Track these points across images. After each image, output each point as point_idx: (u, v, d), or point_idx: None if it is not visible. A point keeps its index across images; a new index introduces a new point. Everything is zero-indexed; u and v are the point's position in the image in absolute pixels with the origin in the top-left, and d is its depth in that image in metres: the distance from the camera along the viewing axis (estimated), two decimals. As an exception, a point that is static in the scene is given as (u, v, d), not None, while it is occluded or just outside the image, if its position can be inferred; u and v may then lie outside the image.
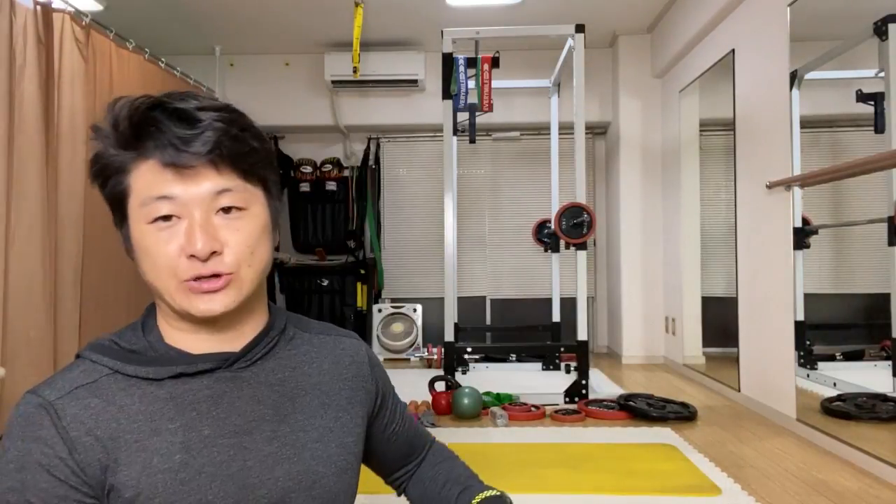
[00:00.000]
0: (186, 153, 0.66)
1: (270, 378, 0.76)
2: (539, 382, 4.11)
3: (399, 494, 1.00)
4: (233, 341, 0.75)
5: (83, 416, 0.67)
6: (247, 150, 0.70)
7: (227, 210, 0.69)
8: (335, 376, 0.82)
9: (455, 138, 4.14)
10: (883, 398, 2.72)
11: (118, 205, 0.72)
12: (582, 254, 3.57)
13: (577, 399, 3.46)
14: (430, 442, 1.01)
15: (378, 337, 5.29)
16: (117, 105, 0.69)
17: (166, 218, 0.68)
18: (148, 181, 0.68)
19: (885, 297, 2.69)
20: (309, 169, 5.58)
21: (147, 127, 0.67)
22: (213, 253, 0.68)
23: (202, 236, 0.67)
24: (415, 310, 5.36)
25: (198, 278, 0.68)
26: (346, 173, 5.67)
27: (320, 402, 0.79)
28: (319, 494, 0.76)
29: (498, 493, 0.90)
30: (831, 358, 3.10)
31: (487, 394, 3.42)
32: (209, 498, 0.68)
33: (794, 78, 3.01)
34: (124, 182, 0.70)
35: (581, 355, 3.53)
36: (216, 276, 0.68)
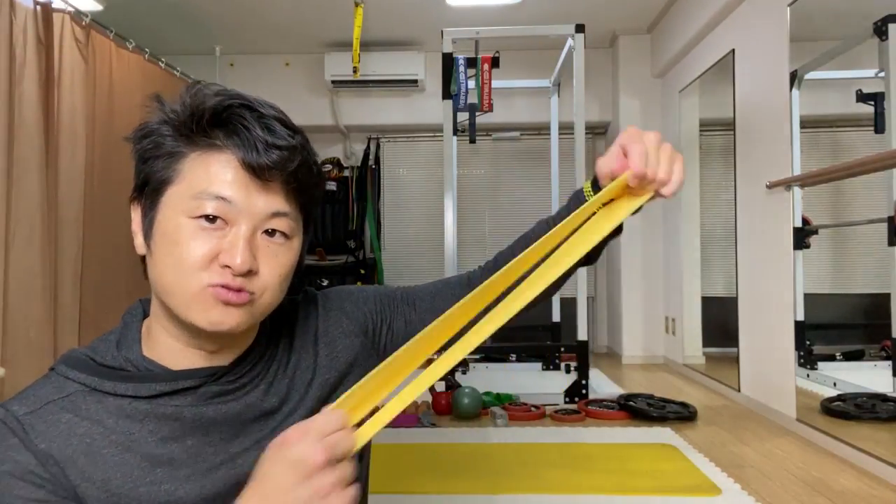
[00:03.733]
0: (267, 161, 0.64)
1: (261, 384, 0.73)
2: (539, 382, 4.11)
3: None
4: (221, 357, 0.71)
5: (53, 432, 0.64)
6: (313, 182, 0.70)
7: (271, 233, 0.66)
8: (306, 348, 0.78)
9: (455, 138, 4.14)
10: (883, 398, 2.72)
11: (156, 187, 0.66)
12: (582, 254, 3.56)
13: (577, 399, 3.46)
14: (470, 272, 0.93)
15: (378, 337, 5.29)
16: (201, 90, 0.66)
17: (211, 219, 0.63)
18: (211, 175, 0.64)
19: (885, 297, 2.69)
20: (309, 169, 5.57)
21: (233, 122, 0.64)
22: (249, 271, 0.64)
23: (245, 252, 0.63)
24: (415, 310, 5.35)
25: (225, 287, 0.64)
26: (347, 173, 5.67)
27: (303, 380, 0.76)
28: None
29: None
30: (831, 358, 3.10)
31: (487, 394, 3.42)
32: (200, 501, 0.66)
33: (794, 78, 3.01)
34: (173, 168, 0.65)
35: (581, 355, 3.53)
36: (241, 291, 0.65)
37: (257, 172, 0.64)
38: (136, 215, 0.70)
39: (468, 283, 0.90)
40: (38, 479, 0.62)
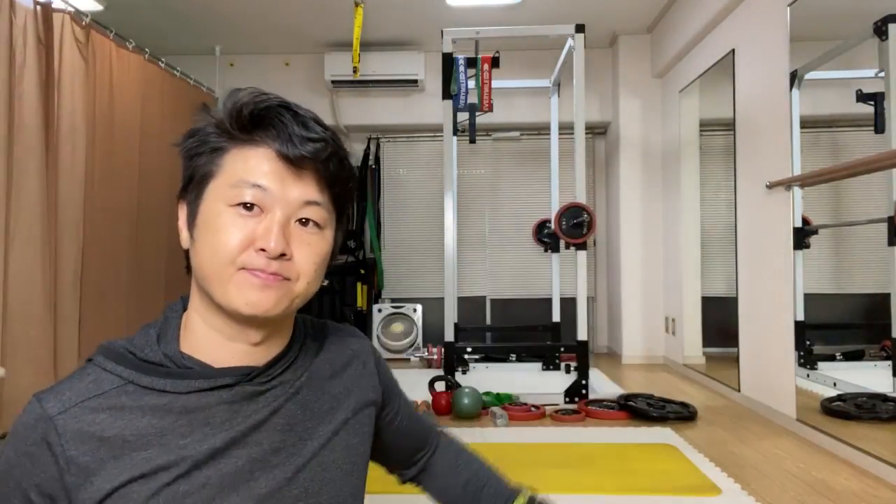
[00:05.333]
0: (301, 151, 0.68)
1: (288, 388, 0.75)
2: (539, 382, 4.11)
3: (413, 485, 1.01)
4: (257, 355, 0.73)
5: (87, 432, 0.64)
6: (345, 175, 0.73)
7: (304, 222, 0.70)
8: (343, 379, 0.82)
9: (455, 138, 4.14)
10: (883, 398, 2.72)
11: (200, 181, 0.71)
12: (582, 254, 3.57)
13: (577, 399, 3.46)
14: (438, 434, 1.02)
15: (378, 337, 5.29)
16: (241, 94, 0.70)
17: (248, 207, 0.68)
18: (250, 166, 0.68)
19: (885, 297, 2.69)
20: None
21: (271, 119, 0.69)
22: (282, 255, 0.68)
23: (278, 235, 0.67)
24: (415, 310, 5.36)
25: (261, 270, 0.68)
26: (346, 173, 5.67)
27: (329, 406, 0.79)
28: (327, 500, 0.75)
29: (533, 496, 0.95)
30: (831, 358, 3.10)
31: (487, 394, 3.42)
32: None
33: (794, 78, 3.01)
34: (217, 162, 0.70)
35: (581, 355, 3.53)
36: (276, 274, 0.68)
37: (292, 162, 0.68)
38: (182, 212, 0.74)
39: (429, 448, 1.01)
40: (42, 492, 0.63)
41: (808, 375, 2.98)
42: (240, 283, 0.67)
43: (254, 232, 0.67)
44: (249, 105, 0.69)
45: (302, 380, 0.77)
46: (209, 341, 0.71)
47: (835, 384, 2.91)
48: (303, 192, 0.69)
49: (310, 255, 0.70)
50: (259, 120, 0.69)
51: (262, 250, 0.67)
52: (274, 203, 0.68)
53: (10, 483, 0.64)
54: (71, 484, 0.63)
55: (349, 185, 0.75)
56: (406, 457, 0.98)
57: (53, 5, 3.14)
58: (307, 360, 0.80)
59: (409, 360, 5.18)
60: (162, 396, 0.67)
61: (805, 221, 2.99)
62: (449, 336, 3.67)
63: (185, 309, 0.75)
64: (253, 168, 0.68)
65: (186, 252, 0.74)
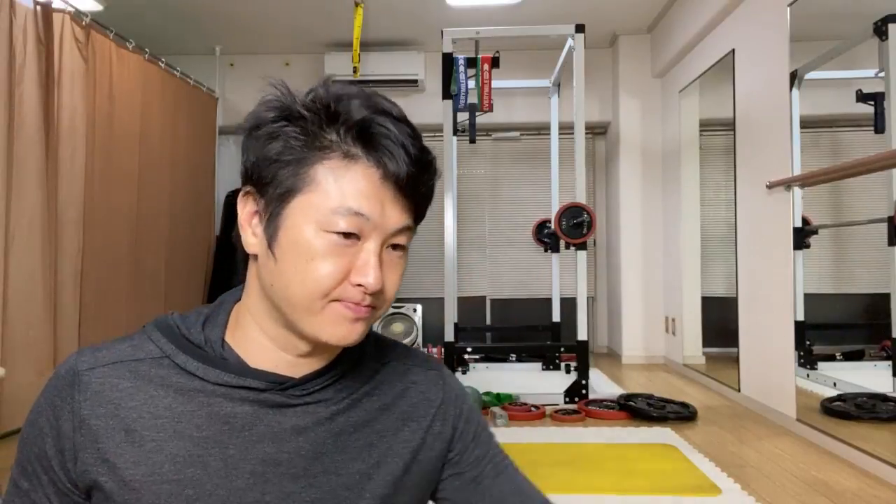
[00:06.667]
0: (410, 172, 0.61)
1: (321, 410, 0.67)
2: (539, 382, 4.11)
3: None
4: (300, 367, 0.67)
5: (107, 397, 0.62)
6: (433, 194, 0.67)
7: (394, 247, 0.65)
8: (394, 414, 0.72)
9: (455, 138, 4.14)
10: (883, 398, 2.72)
11: (283, 194, 0.62)
12: (582, 254, 3.57)
13: (577, 399, 3.46)
14: None
15: (378, 337, 5.29)
16: (343, 97, 0.62)
17: (348, 235, 0.61)
18: (347, 189, 0.60)
19: (885, 297, 2.69)
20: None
21: (378, 136, 0.61)
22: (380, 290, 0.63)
23: (377, 270, 0.61)
24: (415, 310, 5.36)
25: (356, 304, 0.62)
26: (346, 173, 5.67)
27: (366, 442, 0.69)
28: None
29: None
30: (831, 358, 3.10)
31: (487, 394, 3.42)
32: None
33: (794, 78, 3.01)
34: (303, 175, 0.61)
35: (581, 355, 3.53)
36: (369, 307, 0.63)
37: (397, 185, 0.62)
38: (247, 209, 0.65)
39: None
40: (59, 443, 0.62)
41: (808, 375, 2.98)
42: (332, 317, 0.62)
43: (350, 263, 0.61)
44: (358, 120, 0.61)
45: (341, 405, 0.68)
46: (257, 345, 0.66)
47: (835, 384, 2.91)
48: (400, 217, 0.63)
49: (396, 279, 0.65)
50: (365, 136, 0.61)
51: (360, 285, 0.61)
52: (372, 231, 0.61)
53: (35, 429, 0.64)
54: (79, 444, 0.62)
55: (432, 196, 0.68)
56: None
57: (53, 5, 3.14)
58: (356, 383, 0.70)
59: (409, 360, 5.17)
60: (191, 380, 0.64)
61: (805, 221, 2.99)
62: (449, 336, 3.67)
63: (239, 299, 0.70)
64: (352, 191, 0.60)
65: (247, 256, 0.67)
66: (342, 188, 0.60)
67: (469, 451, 0.76)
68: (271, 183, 0.62)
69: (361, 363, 0.72)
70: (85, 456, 0.62)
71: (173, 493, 0.61)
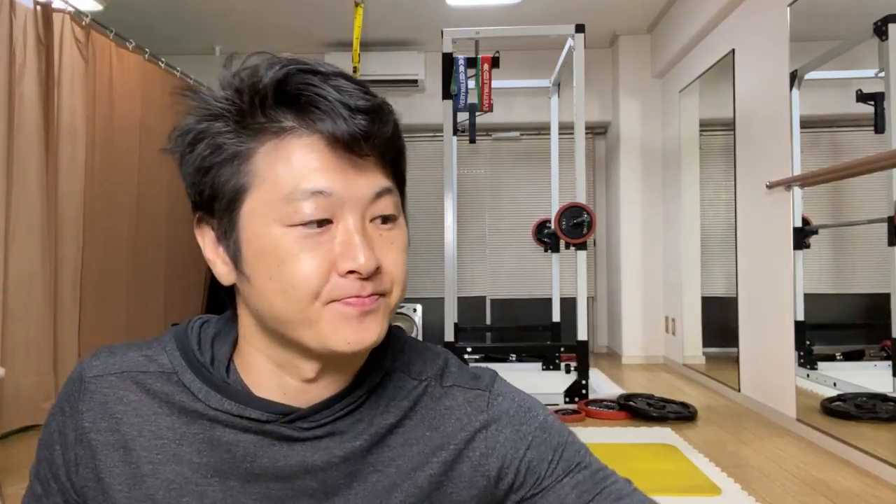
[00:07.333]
0: (357, 128, 0.51)
1: (335, 446, 0.58)
2: (539, 382, 4.11)
3: None
4: (310, 395, 0.58)
5: (111, 409, 0.57)
6: (402, 144, 0.57)
7: (384, 220, 0.55)
8: (423, 447, 0.59)
9: (455, 138, 4.14)
10: (883, 398, 2.72)
11: (230, 202, 0.53)
12: (582, 254, 3.57)
13: (577, 399, 3.46)
14: None
15: (378, 337, 5.29)
16: (247, 66, 0.53)
17: (319, 223, 0.52)
18: (296, 168, 0.51)
19: (885, 297, 2.69)
20: (309, 169, 5.57)
21: (305, 94, 0.51)
22: (376, 269, 0.53)
23: (364, 248, 0.51)
24: (415, 310, 5.36)
25: (357, 297, 0.53)
26: (346, 173, 5.67)
27: (389, 482, 0.58)
28: None
29: None
30: (831, 358, 3.10)
31: (487, 394, 3.42)
32: None
33: (794, 78, 3.01)
34: (247, 170, 0.52)
35: (581, 355, 3.53)
36: (373, 296, 0.53)
37: (350, 147, 0.51)
38: (207, 239, 0.57)
39: None
40: (65, 453, 0.59)
41: (808, 375, 2.98)
42: (334, 320, 0.52)
43: (330, 252, 0.52)
44: (271, 81, 0.51)
45: (360, 441, 0.58)
46: (262, 370, 0.58)
47: (835, 384, 2.91)
48: (371, 182, 0.53)
49: (397, 255, 0.55)
50: (288, 98, 0.52)
51: (352, 272, 0.52)
52: (342, 207, 0.52)
53: (48, 432, 0.61)
54: (80, 457, 0.58)
55: (404, 156, 0.58)
56: None
57: (53, 5, 3.14)
58: (379, 414, 0.59)
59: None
60: (195, 401, 0.57)
61: (805, 221, 2.99)
62: (449, 336, 3.67)
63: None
64: (303, 168, 0.51)
65: (229, 289, 0.58)
66: (291, 169, 0.51)
67: (547, 478, 0.60)
68: (216, 197, 0.54)
69: (387, 387, 0.60)
70: (84, 471, 0.58)
71: None
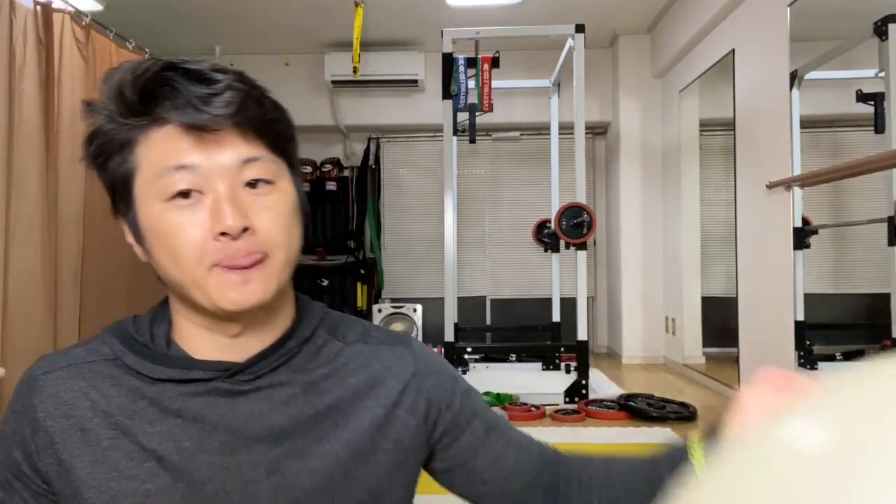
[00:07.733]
0: (208, 113, 0.58)
1: (276, 394, 0.65)
2: (539, 382, 4.11)
3: None
4: (242, 349, 0.65)
5: (62, 398, 0.62)
6: (271, 116, 0.63)
7: (253, 184, 0.61)
8: (361, 395, 0.68)
9: (455, 138, 4.15)
10: (883, 398, 2.72)
11: (123, 187, 0.62)
12: (582, 254, 3.57)
13: (577, 399, 3.46)
14: (559, 457, 0.85)
15: (378, 337, 5.29)
16: (118, 73, 0.60)
17: (185, 194, 0.59)
18: (163, 150, 0.59)
19: (885, 297, 2.69)
20: (309, 169, 5.58)
21: (161, 87, 0.59)
22: (246, 230, 0.59)
23: (231, 210, 0.58)
24: (415, 310, 5.36)
25: (231, 258, 0.60)
26: (346, 173, 5.67)
27: (331, 423, 0.66)
28: None
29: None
30: (831, 358, 3.10)
31: (487, 394, 3.42)
32: None
33: (794, 78, 3.02)
34: (131, 159, 0.61)
35: (581, 355, 3.53)
36: (249, 255, 0.60)
37: (201, 129, 0.59)
38: (126, 227, 0.66)
39: (543, 466, 0.81)
40: (25, 448, 0.63)
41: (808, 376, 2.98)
42: (219, 283, 0.60)
43: (205, 220, 0.59)
44: (130, 84, 0.59)
45: (297, 388, 0.66)
46: (195, 336, 0.65)
47: (835, 384, 2.91)
48: (234, 153, 0.60)
49: (274, 218, 0.61)
50: (152, 94, 0.59)
51: (223, 234, 0.58)
52: (209, 178, 0.59)
53: (2, 436, 0.65)
54: (39, 446, 0.62)
55: (282, 124, 0.65)
56: (521, 496, 0.76)
57: (53, 5, 3.14)
58: (313, 365, 0.67)
59: (409, 360, 5.17)
60: (138, 378, 0.63)
61: (805, 221, 2.99)
62: (449, 336, 3.67)
63: None
64: (167, 150, 0.59)
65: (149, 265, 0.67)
66: (161, 151, 0.60)
67: (458, 418, 0.73)
68: (115, 187, 0.63)
69: (318, 343, 0.69)
70: (45, 457, 0.62)
71: (132, 490, 0.61)
